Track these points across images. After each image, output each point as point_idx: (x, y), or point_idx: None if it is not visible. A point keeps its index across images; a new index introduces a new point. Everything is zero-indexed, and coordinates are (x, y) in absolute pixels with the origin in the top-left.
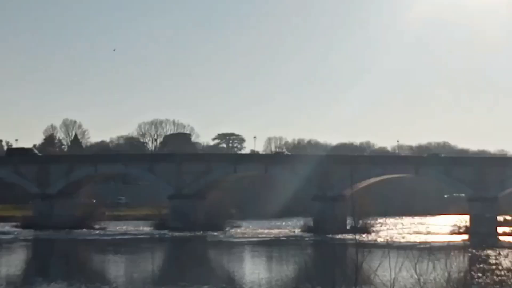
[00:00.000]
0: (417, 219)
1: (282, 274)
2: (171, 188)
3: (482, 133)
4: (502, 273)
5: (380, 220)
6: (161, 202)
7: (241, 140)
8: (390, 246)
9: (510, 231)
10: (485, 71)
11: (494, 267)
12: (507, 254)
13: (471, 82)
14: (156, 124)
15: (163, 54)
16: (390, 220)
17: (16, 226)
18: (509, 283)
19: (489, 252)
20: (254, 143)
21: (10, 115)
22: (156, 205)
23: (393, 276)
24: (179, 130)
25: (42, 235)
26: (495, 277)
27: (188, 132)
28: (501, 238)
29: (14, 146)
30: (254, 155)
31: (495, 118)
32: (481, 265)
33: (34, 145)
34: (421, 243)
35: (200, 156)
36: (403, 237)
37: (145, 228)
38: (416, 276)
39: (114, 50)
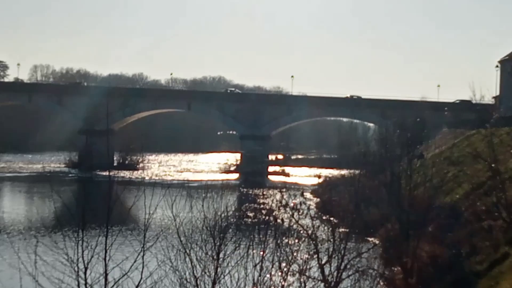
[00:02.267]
0: (188, 156)
1: (38, 213)
2: None
3: (258, 70)
4: (262, 213)
5: (149, 157)
6: None
7: (4, 67)
8: (152, 184)
9: (280, 170)
10: (263, 4)
11: (256, 207)
12: (274, 194)
13: (250, 18)
14: None
15: None
16: (160, 157)
17: None
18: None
19: (256, 191)
20: (18, 71)
21: None
22: None
23: (147, 216)
24: None
25: None
26: (254, 218)
27: None
28: (271, 177)
29: None
30: (16, 83)
31: (272, 55)
32: (244, 204)
33: None
34: (187, 181)
35: None
36: (170, 175)
37: None
38: (172, 216)
39: None
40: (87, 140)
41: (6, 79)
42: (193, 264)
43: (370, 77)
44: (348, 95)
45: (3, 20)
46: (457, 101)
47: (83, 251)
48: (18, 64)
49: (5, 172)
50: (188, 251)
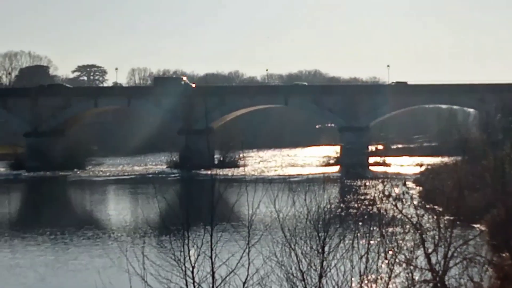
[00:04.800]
0: (287, 151)
1: (143, 215)
2: (27, 125)
3: (354, 61)
4: (365, 204)
5: (249, 154)
6: (16, 141)
7: (103, 72)
8: (253, 181)
9: (381, 161)
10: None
11: (359, 198)
12: (376, 185)
13: (342, 9)
14: (11, 56)
15: None
16: (259, 153)
17: None
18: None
19: (357, 183)
20: (116, 75)
21: None
22: (11, 143)
23: (250, 212)
24: (36, 63)
25: None
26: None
27: (45, 64)
28: (372, 168)
29: None
30: (115, 87)
31: (367, 45)
32: (346, 197)
33: None
34: (289, 176)
35: (57, 89)
36: (271, 170)
37: (0, 169)
38: (275, 212)
39: None
40: (186, 140)
41: (105, 84)
42: (298, 258)
43: (466, 62)
44: (446, 82)
45: (98, 27)
46: None
47: (189, 250)
48: (116, 69)
49: (110, 175)
50: (293, 246)
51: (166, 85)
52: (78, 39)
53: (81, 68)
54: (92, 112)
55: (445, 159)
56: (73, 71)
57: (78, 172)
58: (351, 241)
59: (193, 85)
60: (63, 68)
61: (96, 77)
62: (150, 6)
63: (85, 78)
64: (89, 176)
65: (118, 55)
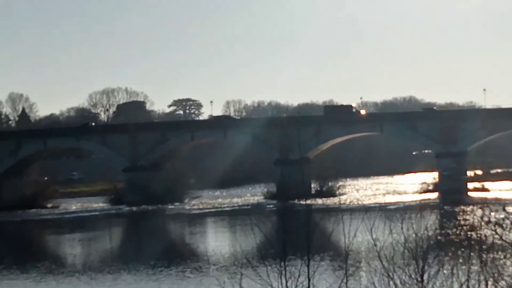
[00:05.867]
0: (384, 179)
1: (240, 246)
2: (126, 160)
3: (449, 86)
4: (464, 230)
5: (346, 182)
6: (116, 176)
7: (198, 105)
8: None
9: (480, 186)
10: (449, 22)
11: (458, 224)
12: (475, 211)
13: (434, 34)
14: (108, 93)
15: (110, 20)
16: (356, 182)
17: None
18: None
19: (456, 209)
20: (211, 108)
21: None
22: (111, 179)
23: (347, 241)
24: (133, 98)
25: None
26: (457, 236)
27: (142, 100)
28: (471, 194)
29: None
30: (211, 121)
31: (462, 69)
32: (445, 224)
33: None
34: (385, 204)
35: (154, 125)
36: (367, 199)
37: (100, 204)
38: (372, 240)
39: None
40: (282, 170)
41: (201, 117)
42: None
43: None
44: None
45: (193, 61)
46: None
47: (286, 281)
48: (211, 102)
49: (208, 207)
50: (391, 275)
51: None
52: (173, 74)
53: (177, 102)
54: (189, 145)
55: None
56: (169, 106)
57: (177, 205)
58: (450, 269)
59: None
60: (159, 103)
61: (192, 111)
62: (242, 39)
63: (181, 112)
64: (187, 208)
65: (212, 88)
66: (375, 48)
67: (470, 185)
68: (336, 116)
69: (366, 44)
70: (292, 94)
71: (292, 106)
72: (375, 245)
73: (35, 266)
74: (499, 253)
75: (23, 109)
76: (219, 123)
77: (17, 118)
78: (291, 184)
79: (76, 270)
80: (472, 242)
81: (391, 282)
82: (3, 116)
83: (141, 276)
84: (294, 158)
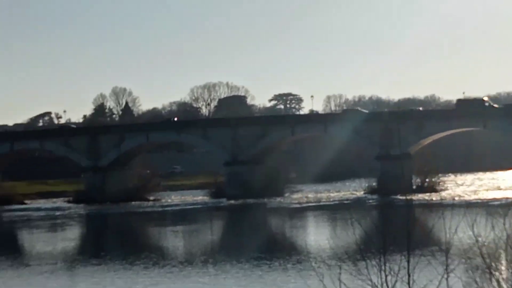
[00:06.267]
0: (487, 174)
1: (340, 240)
2: (227, 154)
3: None
4: None
5: (447, 178)
6: (217, 169)
7: (299, 100)
8: (451, 205)
9: None
10: None
11: None
12: None
13: None
14: (209, 87)
15: (211, 15)
16: (457, 177)
17: (68, 201)
18: None
19: None
20: (312, 103)
21: (58, 86)
22: (212, 172)
23: (448, 237)
24: (234, 93)
25: (95, 209)
26: None
27: (243, 94)
28: None
29: (63, 117)
30: (312, 115)
31: None
32: None
33: (84, 116)
34: (488, 200)
35: (255, 119)
36: (469, 194)
37: (202, 197)
38: (473, 238)
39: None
40: (383, 165)
41: (301, 112)
42: (500, 285)
43: None
44: None
45: (294, 56)
46: None
47: (386, 276)
48: (312, 96)
49: (308, 202)
50: (493, 272)
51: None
52: (274, 69)
53: (278, 97)
54: (289, 140)
55: None
56: (270, 100)
57: (277, 199)
58: None
59: None
60: (260, 97)
61: (293, 105)
62: (343, 34)
63: (282, 106)
64: (287, 202)
65: (313, 82)
66: (477, 43)
67: None
68: (468, 109)
69: (467, 39)
70: (393, 88)
71: (393, 100)
72: (477, 241)
73: (140, 257)
74: None
75: (127, 103)
76: (321, 118)
77: (120, 112)
78: (391, 179)
79: (179, 262)
80: None
81: (493, 279)
82: (107, 110)
83: (244, 267)
84: (395, 153)
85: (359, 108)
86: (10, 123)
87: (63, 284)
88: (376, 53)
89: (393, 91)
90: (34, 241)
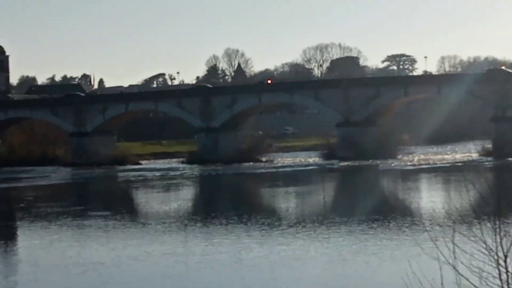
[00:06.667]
0: None
1: (454, 202)
2: (339, 115)
3: None
4: None
5: None
6: (329, 131)
7: (412, 61)
8: None
9: None
10: None
11: None
12: None
13: None
14: (322, 48)
15: None
16: None
17: (182, 162)
18: None
19: None
20: (425, 64)
21: (171, 48)
22: (324, 134)
23: None
24: (346, 54)
25: (208, 170)
26: None
27: (355, 55)
28: None
29: (177, 79)
30: (425, 76)
31: None
32: None
33: (197, 77)
34: None
35: (368, 80)
36: None
37: (313, 158)
38: None
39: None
40: (497, 127)
41: (414, 73)
42: None
43: None
44: None
45: (404, 15)
46: None
47: (501, 239)
48: (425, 57)
49: (420, 164)
50: None
51: None
52: (387, 29)
53: (391, 58)
54: (402, 101)
55: None
56: (383, 61)
57: (390, 161)
58: None
59: None
60: (373, 59)
61: (406, 66)
62: None
63: (395, 67)
64: (400, 165)
65: (427, 43)
66: None
67: None
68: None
69: None
70: (509, 48)
71: (509, 61)
72: None
73: (253, 218)
74: None
75: (239, 65)
76: (434, 79)
77: (233, 73)
78: (507, 141)
79: (291, 223)
80: None
81: None
82: (219, 71)
83: (358, 229)
84: (511, 114)
85: (504, 68)
86: (125, 84)
87: (178, 242)
88: (491, 12)
89: (509, 51)
90: (150, 200)
